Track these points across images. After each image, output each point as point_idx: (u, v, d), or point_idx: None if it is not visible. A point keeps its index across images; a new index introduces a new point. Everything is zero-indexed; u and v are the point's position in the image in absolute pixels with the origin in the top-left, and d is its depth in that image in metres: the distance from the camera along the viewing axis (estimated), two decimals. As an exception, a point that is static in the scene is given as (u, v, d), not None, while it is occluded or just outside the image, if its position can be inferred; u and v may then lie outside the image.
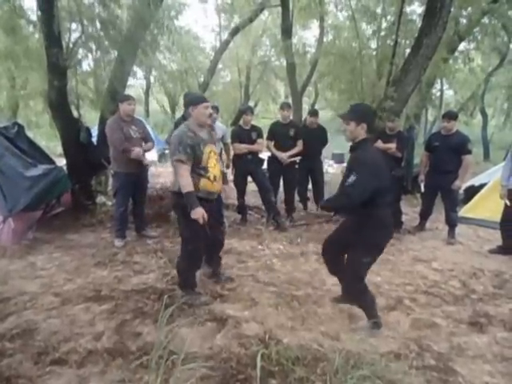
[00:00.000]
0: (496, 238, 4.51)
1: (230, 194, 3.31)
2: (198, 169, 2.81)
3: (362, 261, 2.53)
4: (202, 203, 2.79)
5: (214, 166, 2.89)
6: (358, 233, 2.53)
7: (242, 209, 5.22)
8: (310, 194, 5.85)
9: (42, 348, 2.33)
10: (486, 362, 2.39)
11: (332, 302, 3.03)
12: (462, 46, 9.50)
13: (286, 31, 9.25)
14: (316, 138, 5.41)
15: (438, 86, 13.68)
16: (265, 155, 5.33)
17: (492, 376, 2.26)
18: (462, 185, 5.15)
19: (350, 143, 2.60)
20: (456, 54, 8.95)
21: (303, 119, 7.45)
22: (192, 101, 2.87)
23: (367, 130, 2.51)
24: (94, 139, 5.37)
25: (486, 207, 5.24)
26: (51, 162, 4.77)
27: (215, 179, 2.90)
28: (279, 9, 9.59)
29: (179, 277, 3.02)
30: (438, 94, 14.76)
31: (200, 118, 2.85)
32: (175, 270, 3.11)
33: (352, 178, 2.39)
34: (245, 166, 4.87)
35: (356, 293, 2.65)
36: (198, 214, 2.69)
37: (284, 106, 5.25)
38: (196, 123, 2.86)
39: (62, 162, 5.16)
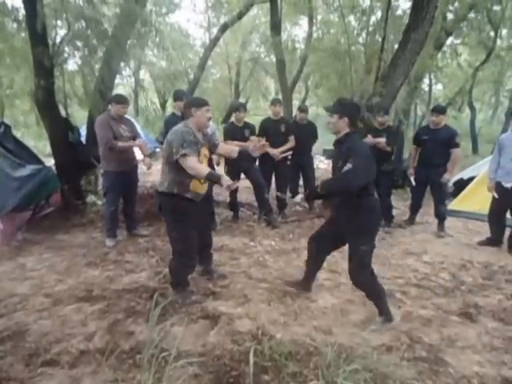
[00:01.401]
0: (485, 231, 4.57)
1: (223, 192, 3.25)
2: (186, 173, 2.78)
3: (361, 249, 2.58)
4: (191, 204, 2.83)
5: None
6: (352, 223, 2.58)
7: (233, 206, 5.21)
8: (301, 190, 5.86)
9: (33, 349, 2.32)
10: (476, 352, 2.44)
11: (284, 284, 3.17)
12: (450, 40, 9.59)
13: (275, 27, 9.23)
14: (306, 133, 5.42)
15: (426, 80, 13.78)
16: (256, 154, 5.31)
17: (481, 366, 2.30)
18: (451, 178, 5.22)
19: (335, 137, 2.67)
20: (444, 48, 9.03)
21: (293, 115, 7.45)
22: (195, 103, 2.84)
23: (350, 125, 2.58)
24: (83, 138, 5.32)
25: (475, 200, 5.31)
26: (39, 162, 4.70)
27: (205, 181, 2.90)
28: (268, 5, 9.56)
29: (172, 277, 3.01)
30: (427, 88, 14.87)
31: (201, 121, 2.83)
32: (167, 268, 3.10)
33: (349, 166, 2.45)
34: (238, 163, 4.86)
35: (365, 283, 2.68)
36: (228, 181, 2.66)
37: (275, 102, 5.25)
38: (195, 125, 2.83)
39: (50, 162, 5.10)
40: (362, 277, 2.65)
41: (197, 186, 2.85)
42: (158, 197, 2.94)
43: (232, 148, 3.23)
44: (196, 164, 2.70)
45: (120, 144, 3.97)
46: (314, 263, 3.05)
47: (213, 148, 3.08)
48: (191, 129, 2.80)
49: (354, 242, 2.61)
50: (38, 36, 4.40)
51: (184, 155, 2.66)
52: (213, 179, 2.67)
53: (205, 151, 2.93)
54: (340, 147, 2.63)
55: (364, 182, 2.47)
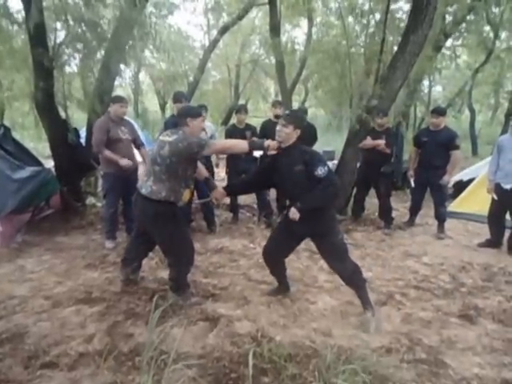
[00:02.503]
0: (485, 232, 4.57)
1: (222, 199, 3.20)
2: (187, 180, 2.83)
3: (336, 240, 2.67)
4: (173, 207, 2.81)
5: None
6: (321, 223, 2.65)
7: (233, 207, 5.22)
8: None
9: (32, 352, 2.31)
10: (476, 354, 2.43)
11: (269, 296, 3.11)
12: (449, 42, 9.60)
13: (275, 29, 9.24)
14: (306, 135, 5.41)
15: (426, 82, 13.80)
16: (257, 154, 5.32)
17: (481, 367, 2.30)
18: (451, 180, 5.22)
19: (282, 144, 2.69)
20: (443, 50, 9.04)
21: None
22: (190, 113, 2.82)
23: (299, 138, 2.70)
24: (83, 140, 5.32)
25: (475, 201, 5.31)
26: (39, 163, 4.70)
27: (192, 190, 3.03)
28: (267, 7, 9.58)
29: (174, 282, 2.97)
30: (426, 90, 14.89)
31: (196, 131, 2.86)
32: (166, 270, 3.10)
33: (324, 169, 2.54)
34: (239, 164, 4.87)
35: (348, 270, 2.72)
36: (272, 143, 2.72)
37: (276, 104, 5.26)
38: (192, 134, 2.81)
39: (50, 164, 5.10)
40: (345, 265, 2.71)
41: (187, 194, 2.89)
42: (151, 205, 2.74)
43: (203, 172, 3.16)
44: (231, 141, 2.89)
45: (106, 153, 3.97)
46: (278, 270, 3.07)
47: None
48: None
49: (327, 239, 2.68)
50: (38, 38, 4.41)
51: (210, 144, 2.72)
52: (256, 146, 2.79)
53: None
54: (290, 154, 2.66)
55: (339, 182, 2.64)
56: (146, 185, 2.76)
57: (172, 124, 4.35)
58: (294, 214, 2.58)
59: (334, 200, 2.79)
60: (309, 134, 5.47)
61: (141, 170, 4.48)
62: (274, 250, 2.93)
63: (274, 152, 2.74)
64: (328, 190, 2.59)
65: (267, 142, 2.73)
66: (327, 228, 2.67)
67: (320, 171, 2.52)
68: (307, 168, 2.56)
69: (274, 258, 2.97)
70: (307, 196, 2.57)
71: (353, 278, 2.75)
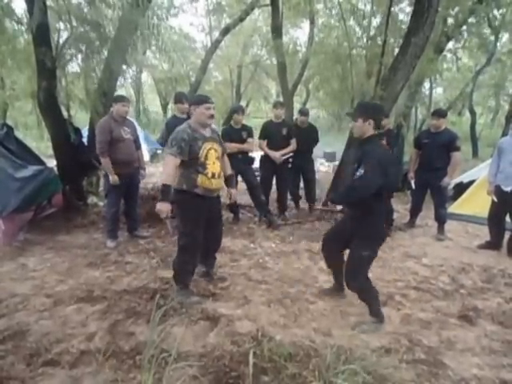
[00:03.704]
0: (485, 234, 4.58)
1: (236, 198, 3.29)
2: (196, 165, 2.83)
3: (361, 254, 2.58)
4: (199, 200, 2.85)
5: (213, 164, 2.91)
6: (358, 227, 2.60)
7: (234, 208, 5.23)
8: (301, 193, 5.88)
9: (33, 349, 2.33)
10: (475, 354, 2.44)
11: (324, 296, 3.10)
12: (450, 44, 9.62)
13: (277, 30, 9.28)
14: (307, 136, 5.44)
15: (427, 84, 13.82)
16: (258, 154, 5.35)
17: (480, 368, 2.31)
18: (451, 181, 5.23)
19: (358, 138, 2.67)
20: (444, 52, 9.06)
21: (294, 118, 7.48)
22: (195, 100, 2.94)
23: (375, 127, 2.57)
24: (85, 140, 5.34)
25: (475, 203, 5.32)
26: (41, 162, 4.72)
27: (213, 176, 2.91)
28: (269, 8, 9.61)
29: (174, 271, 3.01)
30: (428, 92, 14.91)
31: (200, 118, 2.88)
32: (168, 269, 3.12)
33: (360, 172, 2.47)
34: (235, 164, 4.88)
35: (358, 288, 2.69)
36: (162, 208, 2.76)
37: (277, 105, 5.28)
38: (196, 122, 2.90)
39: (52, 163, 5.12)
40: (356, 283, 2.66)
41: (204, 181, 2.86)
42: (173, 196, 2.92)
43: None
44: (171, 165, 2.78)
45: (102, 161, 4.02)
46: (334, 263, 2.98)
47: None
48: (192, 126, 2.87)
49: (356, 245, 2.62)
50: (41, 38, 4.43)
51: (169, 154, 2.77)
52: (161, 192, 2.79)
53: (212, 146, 2.93)
54: (359, 150, 2.65)
55: (373, 190, 2.45)
56: None
57: (173, 125, 4.38)
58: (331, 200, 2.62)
59: (349, 201, 2.71)
60: (310, 135, 5.52)
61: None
62: (331, 239, 2.91)
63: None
64: (348, 192, 2.58)
65: (162, 205, 2.75)
66: (363, 236, 2.59)
67: (358, 173, 2.48)
68: (356, 168, 2.53)
69: (329, 247, 2.93)
70: (338, 190, 2.60)
71: (362, 295, 2.72)
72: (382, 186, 2.46)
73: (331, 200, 2.62)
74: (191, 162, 2.82)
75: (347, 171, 5.37)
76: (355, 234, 2.62)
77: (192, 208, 2.86)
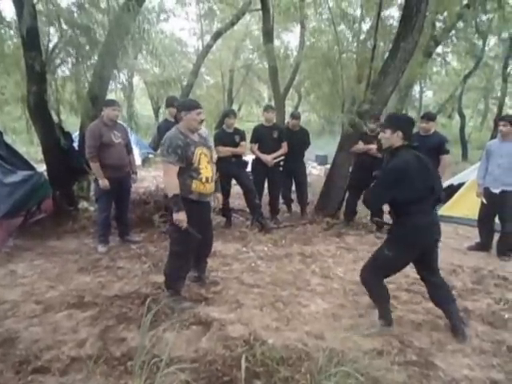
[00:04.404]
0: (475, 235, 4.63)
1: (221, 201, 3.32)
2: (190, 171, 2.83)
3: (384, 252, 2.61)
4: (194, 206, 2.85)
5: (205, 168, 2.91)
6: (390, 230, 2.73)
7: (226, 211, 5.23)
8: (293, 196, 5.90)
9: (23, 357, 2.29)
10: (466, 355, 2.46)
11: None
12: (439, 49, 9.76)
13: (268, 34, 9.34)
14: (299, 140, 5.47)
15: (417, 88, 13.99)
16: (250, 158, 5.36)
17: (471, 369, 2.33)
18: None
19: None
20: (433, 56, 9.19)
21: (286, 122, 7.52)
22: (185, 106, 2.90)
23: (404, 138, 2.55)
24: (75, 144, 5.30)
25: (465, 205, 5.38)
26: (31, 167, 4.69)
27: (207, 181, 2.92)
28: (260, 12, 9.67)
29: (166, 277, 3.00)
30: (418, 95, 15.09)
31: (191, 124, 2.87)
32: (160, 274, 3.10)
33: (376, 179, 2.57)
34: (228, 168, 4.89)
35: (367, 282, 2.72)
36: (180, 218, 2.74)
37: (268, 109, 5.31)
38: (186, 128, 2.87)
39: (42, 168, 5.07)
40: (367, 275, 2.70)
41: (198, 186, 2.86)
42: (165, 198, 2.95)
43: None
44: (173, 175, 2.76)
45: (92, 165, 4.01)
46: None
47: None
48: (183, 132, 2.85)
49: (383, 244, 2.70)
50: (31, 42, 4.40)
51: (167, 162, 2.75)
52: (173, 203, 2.75)
53: (202, 150, 2.92)
54: (389, 161, 2.63)
55: (384, 201, 2.55)
56: None
57: (165, 129, 4.38)
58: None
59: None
60: (301, 138, 5.55)
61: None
62: None
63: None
64: (366, 199, 2.78)
65: (180, 215, 2.75)
66: (390, 236, 2.69)
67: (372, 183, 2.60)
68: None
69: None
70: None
71: (370, 293, 2.76)
72: (404, 199, 2.47)
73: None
74: (185, 168, 2.80)
75: (339, 174, 5.41)
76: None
77: (186, 214, 2.84)
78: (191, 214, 2.83)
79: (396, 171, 2.49)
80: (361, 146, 4.97)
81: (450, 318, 2.69)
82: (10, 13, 4.93)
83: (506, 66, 11.92)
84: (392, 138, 2.57)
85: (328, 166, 6.19)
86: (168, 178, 2.78)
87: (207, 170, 2.92)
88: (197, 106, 2.89)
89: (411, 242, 2.57)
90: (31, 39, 4.41)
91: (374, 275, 2.68)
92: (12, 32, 5.10)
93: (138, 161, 10.36)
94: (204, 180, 2.88)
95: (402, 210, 2.56)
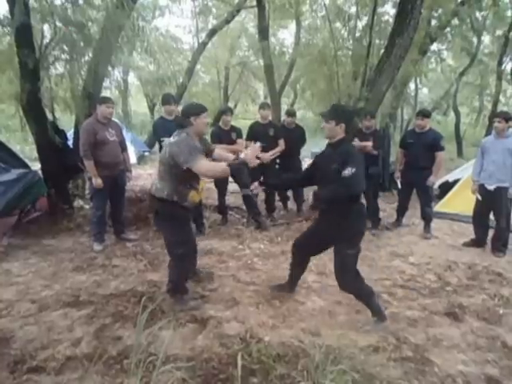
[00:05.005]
0: (470, 232, 4.66)
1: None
2: (192, 180, 2.80)
3: (347, 253, 2.61)
4: (185, 211, 2.84)
5: (202, 178, 2.93)
6: (341, 228, 2.61)
7: (222, 209, 5.22)
8: (289, 193, 5.90)
9: (18, 356, 2.28)
10: (461, 351, 2.48)
11: (271, 290, 3.16)
12: (434, 46, 9.77)
13: (263, 32, 9.31)
14: (294, 137, 5.46)
15: (412, 85, 14.03)
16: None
17: (466, 365, 2.35)
18: (437, 181, 5.30)
19: (328, 140, 2.72)
20: (428, 54, 9.20)
21: (282, 119, 7.51)
22: (194, 110, 2.76)
23: (345, 131, 2.64)
24: (70, 142, 5.27)
25: (460, 202, 5.40)
26: (25, 166, 4.65)
27: (201, 189, 2.96)
28: (256, 10, 9.63)
29: (172, 284, 2.94)
30: (413, 93, 15.12)
31: (202, 128, 2.80)
32: (156, 272, 3.09)
33: (350, 170, 2.48)
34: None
35: (350, 285, 2.71)
36: (251, 154, 2.65)
37: (264, 106, 5.29)
38: (195, 133, 2.77)
39: (37, 166, 5.04)
40: (346, 280, 2.68)
41: (194, 195, 2.85)
42: (155, 202, 2.84)
43: (226, 157, 3.06)
44: (210, 165, 2.70)
45: (86, 163, 3.97)
46: (299, 266, 3.09)
47: (210, 153, 3.01)
48: (192, 138, 2.75)
49: (341, 246, 2.64)
50: (24, 39, 4.36)
51: (195, 162, 2.60)
52: (240, 167, 2.71)
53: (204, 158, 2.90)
54: (334, 151, 2.66)
55: (362, 187, 2.55)
56: (154, 183, 2.87)
57: (161, 126, 4.36)
58: (312, 197, 2.64)
59: (340, 200, 2.71)
60: (297, 136, 5.54)
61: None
62: (304, 243, 2.93)
63: (255, 165, 2.67)
64: (340, 189, 2.54)
65: (244, 155, 2.68)
66: (344, 235, 2.62)
67: (346, 171, 2.47)
68: (340, 167, 2.52)
69: (302, 251, 2.97)
70: (326, 187, 2.61)
71: (356, 293, 2.75)
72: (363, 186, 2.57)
73: (318, 197, 2.59)
74: (188, 177, 2.74)
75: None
76: (337, 237, 2.64)
77: (181, 216, 2.85)
78: (185, 216, 2.87)
79: (362, 161, 2.58)
80: (356, 143, 4.96)
81: None
82: (2, 9, 4.88)
83: (500, 64, 11.95)
84: (335, 130, 2.62)
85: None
86: (210, 170, 2.67)
87: (203, 180, 2.95)
88: (204, 109, 2.82)
89: (362, 230, 2.72)
90: (24, 36, 4.37)
91: (351, 277, 2.67)
92: (5, 29, 5.06)
93: (133, 159, 10.31)
94: (200, 189, 2.90)
95: (356, 202, 2.64)
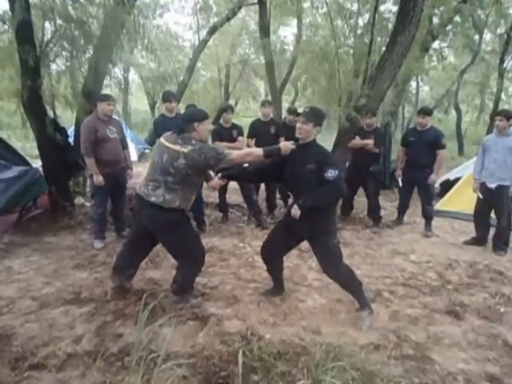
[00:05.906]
0: (470, 230, 4.66)
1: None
2: (195, 186, 2.83)
3: (333, 243, 2.69)
4: (185, 215, 2.84)
5: None
6: (320, 224, 2.66)
7: (223, 207, 5.22)
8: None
9: (19, 353, 2.28)
10: (461, 349, 2.48)
11: (262, 295, 3.12)
12: (436, 43, 9.74)
13: (264, 29, 9.28)
14: (295, 135, 5.44)
15: (414, 83, 13.99)
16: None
17: (467, 363, 2.35)
18: (438, 179, 5.30)
19: (300, 140, 2.74)
20: (430, 51, 9.17)
21: (283, 117, 7.49)
22: (197, 117, 2.70)
23: (317, 132, 2.71)
24: (71, 139, 5.26)
25: (461, 200, 5.40)
26: (26, 163, 4.65)
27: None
28: (257, 7, 9.60)
29: (181, 286, 2.90)
30: (414, 90, 15.08)
31: (205, 135, 2.77)
32: (157, 270, 3.07)
33: (334, 173, 2.52)
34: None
35: (343, 274, 2.75)
36: (285, 146, 2.73)
37: (265, 104, 5.29)
38: (199, 140, 2.69)
39: (38, 164, 5.03)
40: (334, 271, 2.74)
41: (192, 200, 2.86)
42: (165, 214, 2.66)
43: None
44: (245, 152, 2.79)
45: (87, 161, 3.97)
46: (275, 268, 3.09)
47: None
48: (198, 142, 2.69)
49: (324, 240, 2.68)
50: (24, 36, 4.34)
51: (227, 156, 2.60)
52: (274, 152, 2.73)
53: None
54: (306, 150, 2.67)
55: (346, 189, 2.67)
56: (155, 193, 2.64)
57: (162, 124, 4.35)
58: (295, 210, 2.59)
59: (334, 204, 2.79)
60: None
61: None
62: (272, 246, 2.93)
63: (287, 153, 2.71)
64: (331, 194, 2.61)
65: (281, 145, 2.73)
66: (325, 230, 2.67)
67: (330, 174, 2.52)
68: (319, 168, 2.55)
69: (271, 254, 2.97)
70: (310, 195, 2.57)
71: (346, 282, 2.78)
72: None
73: (303, 205, 2.58)
74: (194, 183, 2.75)
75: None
76: (317, 233, 2.68)
77: (187, 219, 2.87)
78: (188, 224, 2.89)
79: (339, 163, 2.78)
80: (357, 141, 4.96)
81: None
82: (2, 6, 4.87)
83: (502, 61, 11.89)
84: (311, 132, 2.65)
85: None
86: (245, 156, 2.73)
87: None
88: (207, 116, 2.77)
89: (334, 221, 2.85)
90: (24, 33, 4.35)
91: (339, 265, 2.74)
92: (5, 26, 5.04)
93: (134, 156, 10.29)
94: (196, 194, 2.93)
95: None
